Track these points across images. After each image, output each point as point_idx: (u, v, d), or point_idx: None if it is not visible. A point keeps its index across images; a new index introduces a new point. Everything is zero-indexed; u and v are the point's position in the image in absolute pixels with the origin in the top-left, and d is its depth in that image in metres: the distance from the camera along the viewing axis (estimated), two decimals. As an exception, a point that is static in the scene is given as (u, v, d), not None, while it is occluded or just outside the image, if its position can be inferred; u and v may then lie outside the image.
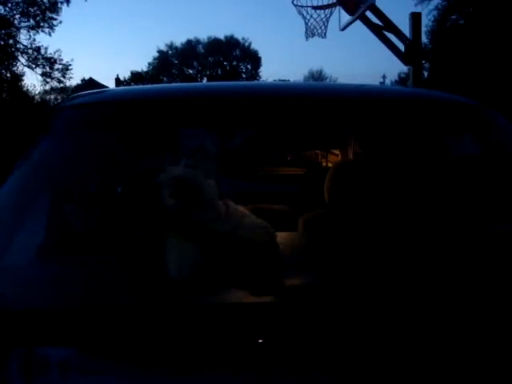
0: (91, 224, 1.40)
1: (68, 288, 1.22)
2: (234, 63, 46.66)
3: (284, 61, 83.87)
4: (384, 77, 49.65)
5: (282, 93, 1.82)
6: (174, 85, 2.05)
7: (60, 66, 27.82)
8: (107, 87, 38.73)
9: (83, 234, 1.40)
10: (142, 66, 72.80)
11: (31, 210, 1.49)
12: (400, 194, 1.71)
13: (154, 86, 1.89)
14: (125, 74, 57.51)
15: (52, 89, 30.43)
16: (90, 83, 37.00)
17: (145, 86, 2.08)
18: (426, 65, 24.02)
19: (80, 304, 1.15)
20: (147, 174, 1.57)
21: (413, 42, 9.13)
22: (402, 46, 9.26)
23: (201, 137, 1.65)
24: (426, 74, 23.90)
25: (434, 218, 1.57)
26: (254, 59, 46.62)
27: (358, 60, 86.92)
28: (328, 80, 50.60)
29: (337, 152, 2.09)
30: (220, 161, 1.42)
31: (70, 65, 28.13)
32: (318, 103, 1.72)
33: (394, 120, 1.68)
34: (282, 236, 1.35)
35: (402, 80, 37.50)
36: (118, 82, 41.11)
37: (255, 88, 2.04)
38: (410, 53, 9.09)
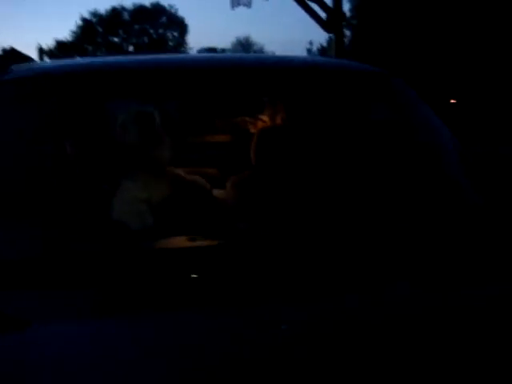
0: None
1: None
2: (161, 31, 45.95)
3: (211, 28, 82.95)
4: (311, 43, 49.98)
5: (212, 64, 2.01)
6: (103, 58, 2.22)
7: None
8: (30, 57, 37.53)
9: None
10: (65, 34, 70.48)
11: None
12: (319, 158, 1.93)
13: (85, 58, 2.05)
14: (48, 43, 55.74)
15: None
16: (12, 53, 35.83)
17: (76, 60, 2.23)
18: (349, 33, 24.37)
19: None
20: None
21: (334, 11, 9.37)
22: (323, 15, 9.50)
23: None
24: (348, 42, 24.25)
25: (351, 180, 1.80)
26: (180, 27, 46.05)
27: (285, 27, 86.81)
28: (255, 47, 50.57)
29: (265, 119, 2.29)
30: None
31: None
32: (244, 73, 1.93)
33: (307, 89, 1.91)
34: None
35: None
36: (41, 51, 39.87)
37: (186, 60, 2.23)
38: (330, 21, 9.34)
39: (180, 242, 1.35)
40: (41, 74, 1.90)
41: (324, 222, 1.52)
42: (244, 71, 1.92)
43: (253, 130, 2.23)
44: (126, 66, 1.96)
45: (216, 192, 1.71)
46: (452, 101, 19.30)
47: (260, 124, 2.21)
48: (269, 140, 1.99)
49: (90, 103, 1.89)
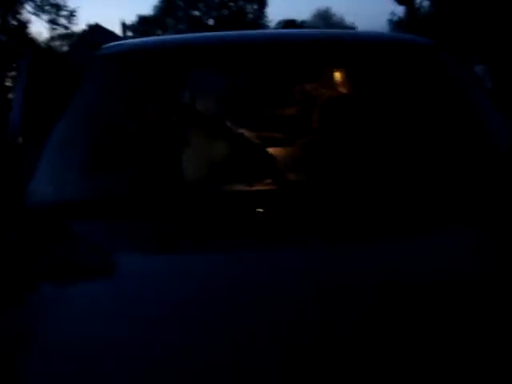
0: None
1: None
2: (241, 3, 46.10)
3: (291, 0, 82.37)
4: (393, 14, 48.88)
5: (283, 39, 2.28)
6: (192, 35, 2.54)
7: (66, 13, 27.78)
8: (113, 32, 38.50)
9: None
10: (147, 9, 71.72)
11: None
12: (376, 122, 2.13)
13: (177, 36, 2.40)
14: (131, 18, 57.04)
15: (58, 36, 30.47)
16: (96, 29, 36.95)
17: (168, 37, 2.59)
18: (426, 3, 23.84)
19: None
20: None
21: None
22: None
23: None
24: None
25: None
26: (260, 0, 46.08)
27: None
28: (334, 18, 49.98)
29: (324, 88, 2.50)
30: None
31: (74, 11, 28.06)
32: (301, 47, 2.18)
33: (359, 61, 2.13)
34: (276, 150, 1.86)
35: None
36: (124, 27, 40.88)
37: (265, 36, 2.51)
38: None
39: (237, 187, 1.64)
40: (128, 50, 2.21)
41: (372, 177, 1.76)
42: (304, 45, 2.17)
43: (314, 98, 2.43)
44: (199, 42, 2.25)
45: (278, 150, 1.97)
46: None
47: (320, 92, 2.41)
48: (332, 107, 2.20)
49: (170, 75, 2.17)
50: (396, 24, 26.67)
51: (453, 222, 1.61)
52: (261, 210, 1.59)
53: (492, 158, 1.90)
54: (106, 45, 2.27)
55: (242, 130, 1.94)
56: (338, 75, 2.31)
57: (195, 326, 1.09)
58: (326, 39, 2.32)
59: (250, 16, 45.86)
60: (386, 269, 1.30)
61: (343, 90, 2.38)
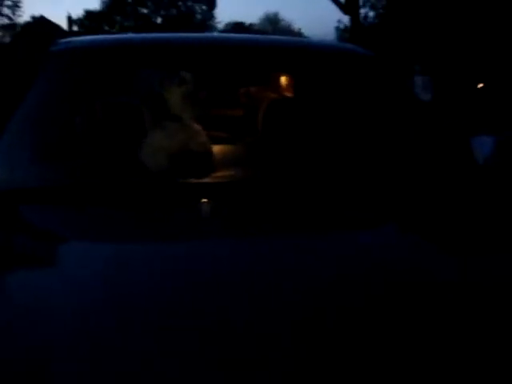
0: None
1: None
2: (189, 4, 46.00)
3: (240, 2, 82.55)
4: (339, 21, 49.68)
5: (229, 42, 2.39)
6: (144, 35, 2.64)
7: (9, 3, 27.24)
8: (59, 26, 37.78)
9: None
10: (94, 4, 70.68)
11: None
12: (318, 128, 2.27)
13: (127, 35, 2.47)
14: (78, 12, 56.17)
15: (0, 26, 29.80)
16: (41, 21, 36.27)
17: (120, 35, 2.67)
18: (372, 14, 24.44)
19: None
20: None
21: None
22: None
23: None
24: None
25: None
26: (209, 0, 46.09)
27: (314, 5, 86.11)
28: (282, 23, 50.43)
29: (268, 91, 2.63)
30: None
31: (19, 1, 27.53)
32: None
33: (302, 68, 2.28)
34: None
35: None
36: (70, 21, 40.20)
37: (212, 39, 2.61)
38: (348, 4, 9.56)
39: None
40: (82, 47, 2.29)
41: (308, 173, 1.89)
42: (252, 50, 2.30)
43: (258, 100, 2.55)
44: (150, 41, 2.35)
45: (223, 148, 2.08)
46: (480, 85, 19.33)
47: (264, 94, 2.54)
48: (276, 110, 2.33)
49: (120, 73, 2.26)
50: (342, 32, 27.25)
51: (380, 217, 1.74)
52: (205, 200, 1.70)
53: (418, 160, 2.04)
54: (60, 40, 2.33)
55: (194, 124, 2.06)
56: (283, 80, 2.44)
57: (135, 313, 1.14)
58: (273, 45, 2.45)
59: (199, 16, 45.83)
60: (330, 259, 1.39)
61: (287, 93, 2.52)
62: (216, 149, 1.95)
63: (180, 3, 45.56)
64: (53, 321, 1.11)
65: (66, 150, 1.97)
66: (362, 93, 2.34)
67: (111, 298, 1.20)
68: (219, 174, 1.82)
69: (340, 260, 1.39)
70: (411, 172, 1.95)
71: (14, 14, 27.81)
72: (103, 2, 43.65)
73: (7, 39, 34.64)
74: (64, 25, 40.29)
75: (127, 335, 1.08)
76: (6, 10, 27.47)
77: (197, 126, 1.93)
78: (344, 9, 9.58)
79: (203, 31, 40.92)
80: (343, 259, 1.39)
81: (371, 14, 24.68)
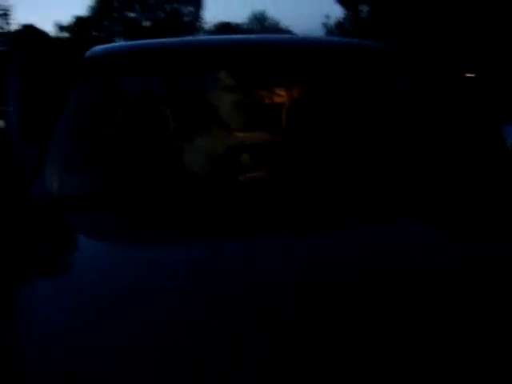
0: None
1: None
2: (176, 5, 45.82)
3: (227, 3, 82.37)
4: (327, 17, 49.76)
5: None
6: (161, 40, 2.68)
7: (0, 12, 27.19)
8: (47, 33, 37.56)
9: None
10: (81, 10, 70.41)
11: None
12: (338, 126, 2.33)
13: (156, 40, 2.51)
14: (65, 19, 55.97)
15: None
16: (30, 29, 36.11)
17: (143, 41, 2.69)
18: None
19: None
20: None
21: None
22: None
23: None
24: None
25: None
26: (195, 1, 45.96)
27: (299, 1, 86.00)
28: (270, 21, 50.42)
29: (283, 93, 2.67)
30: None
31: (8, 10, 27.45)
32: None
33: (320, 66, 2.35)
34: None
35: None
36: (59, 27, 40.03)
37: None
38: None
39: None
40: (118, 53, 2.36)
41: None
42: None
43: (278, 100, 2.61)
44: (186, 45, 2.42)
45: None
46: (469, 75, 19.34)
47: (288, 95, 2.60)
48: (299, 109, 2.38)
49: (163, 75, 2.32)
50: (336, 27, 27.23)
51: (396, 212, 1.77)
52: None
53: (436, 158, 2.07)
54: (95, 47, 2.38)
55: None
56: (306, 79, 2.50)
57: (193, 315, 1.20)
58: (303, 44, 2.52)
59: (186, 18, 45.68)
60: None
61: (310, 92, 2.58)
62: (255, 150, 2.02)
63: (166, 5, 45.40)
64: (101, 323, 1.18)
65: (105, 157, 2.04)
66: (388, 88, 2.39)
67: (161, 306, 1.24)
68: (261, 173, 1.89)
69: (361, 256, 1.41)
70: (446, 168, 1.99)
71: (7, 23, 27.69)
72: (91, 8, 43.51)
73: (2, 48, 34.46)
74: (51, 31, 40.20)
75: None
76: (-2, 19, 27.35)
77: (239, 131, 2.00)
78: (346, 5, 9.68)
79: (192, 33, 40.94)
80: (364, 258, 1.41)
81: (365, 8, 24.70)
